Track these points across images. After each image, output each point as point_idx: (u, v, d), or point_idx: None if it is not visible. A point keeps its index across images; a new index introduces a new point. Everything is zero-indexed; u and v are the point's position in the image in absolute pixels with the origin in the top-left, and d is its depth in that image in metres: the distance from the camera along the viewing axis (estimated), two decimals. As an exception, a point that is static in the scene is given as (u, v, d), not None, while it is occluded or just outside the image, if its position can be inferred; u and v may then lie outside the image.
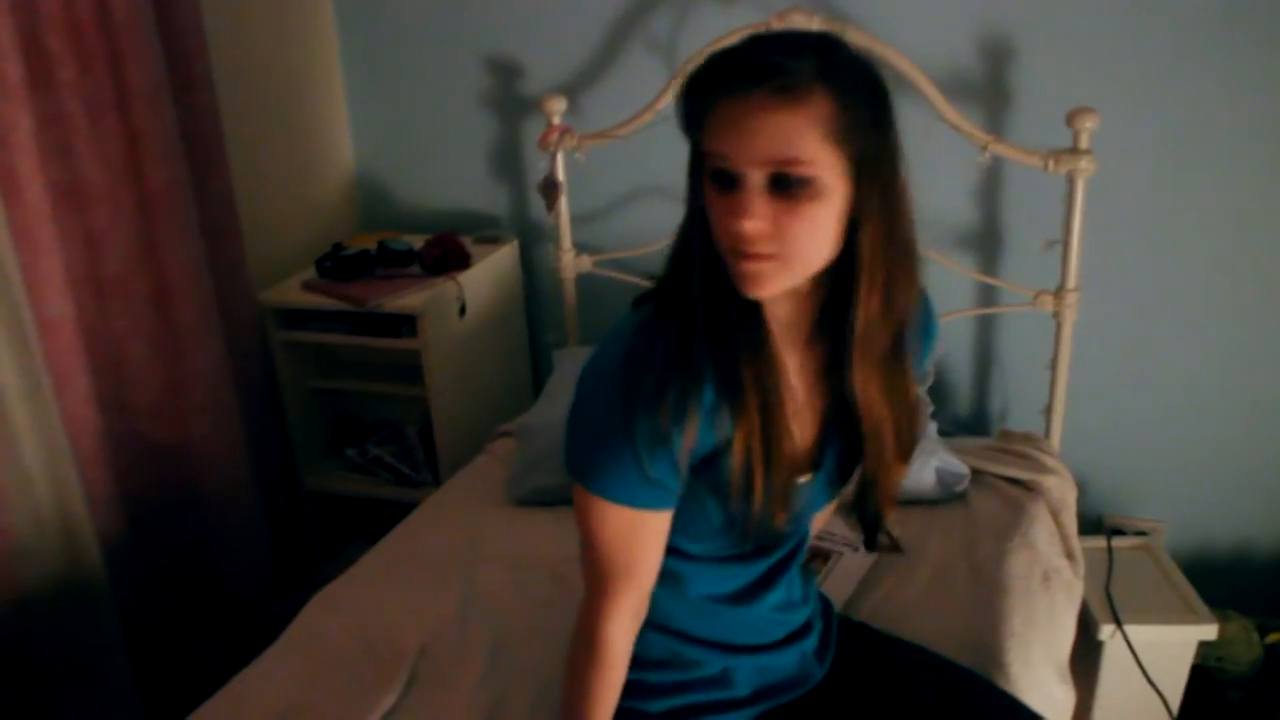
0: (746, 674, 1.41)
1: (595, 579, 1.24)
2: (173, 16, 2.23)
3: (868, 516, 1.30)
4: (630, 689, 1.34)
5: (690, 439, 1.13)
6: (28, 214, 1.98)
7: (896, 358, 1.17)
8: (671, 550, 1.28)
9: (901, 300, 1.13)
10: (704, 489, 1.20)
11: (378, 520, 2.68)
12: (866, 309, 1.11)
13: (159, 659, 2.37)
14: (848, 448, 1.28)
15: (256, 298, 2.60)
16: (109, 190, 2.13)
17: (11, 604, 1.97)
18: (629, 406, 1.12)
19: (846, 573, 1.91)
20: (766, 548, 1.35)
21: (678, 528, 1.25)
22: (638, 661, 1.34)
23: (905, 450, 1.26)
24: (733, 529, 1.23)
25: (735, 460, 1.15)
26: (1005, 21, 2.34)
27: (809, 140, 1.02)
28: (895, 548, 1.90)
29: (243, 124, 2.55)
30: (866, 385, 1.16)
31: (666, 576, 1.30)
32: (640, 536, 1.21)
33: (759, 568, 1.36)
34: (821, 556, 1.96)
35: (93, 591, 2.14)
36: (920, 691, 1.43)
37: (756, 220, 1.04)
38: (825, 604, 1.55)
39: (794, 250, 1.06)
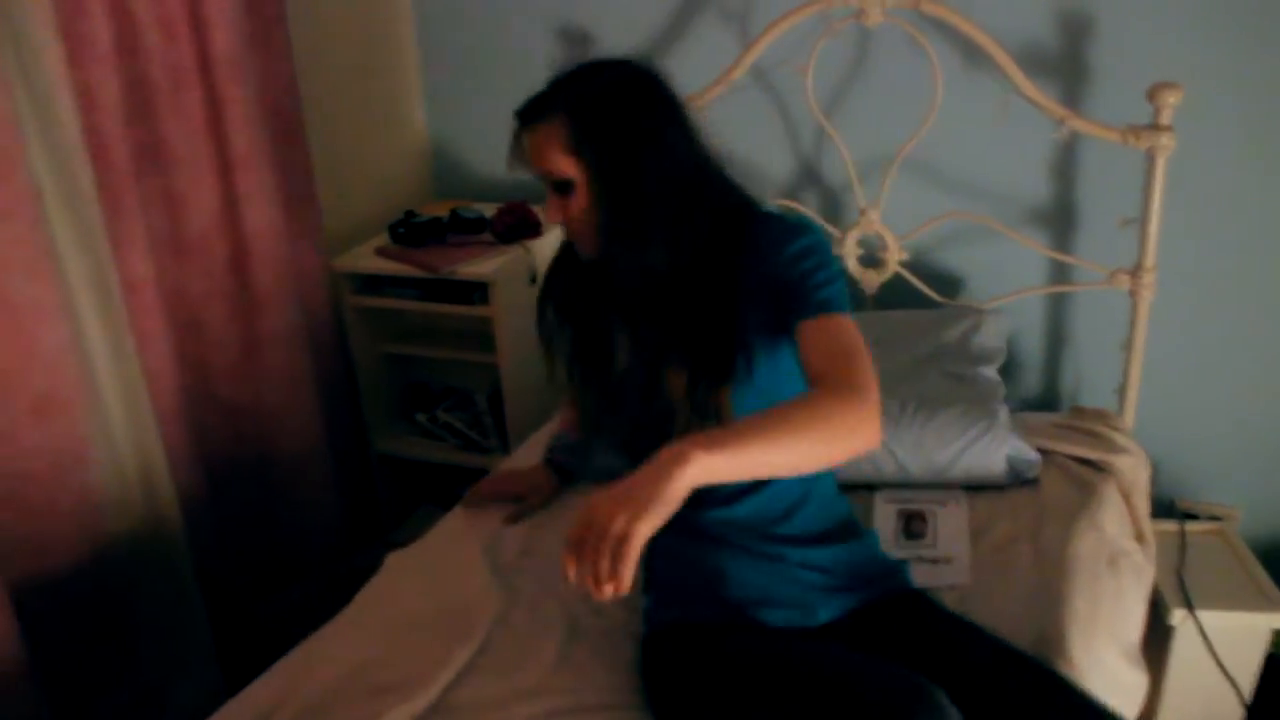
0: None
1: None
2: (253, -16, 2.27)
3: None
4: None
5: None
6: (114, 175, 2.03)
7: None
8: None
9: (632, 259, 1.52)
10: None
11: (446, 485, 2.72)
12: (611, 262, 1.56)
13: (233, 613, 2.43)
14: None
15: (331, 263, 2.64)
16: (190, 154, 2.18)
17: (95, 555, 2.03)
18: None
19: (954, 531, 1.94)
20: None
21: None
22: None
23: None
24: None
25: None
26: (1086, -7, 2.30)
27: (555, 153, 1.49)
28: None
29: (319, 92, 2.58)
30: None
31: None
32: None
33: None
34: (919, 517, 1.99)
35: (171, 545, 2.21)
36: (968, 664, 1.42)
37: (551, 211, 1.55)
38: (878, 569, 1.66)
39: (574, 228, 1.56)
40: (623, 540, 1.14)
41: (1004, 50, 2.21)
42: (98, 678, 2.09)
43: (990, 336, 2.37)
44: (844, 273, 1.55)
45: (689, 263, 1.53)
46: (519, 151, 1.54)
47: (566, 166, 1.49)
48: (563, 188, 1.51)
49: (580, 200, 1.51)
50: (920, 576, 1.82)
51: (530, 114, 1.51)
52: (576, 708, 1.55)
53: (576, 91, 1.49)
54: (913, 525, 1.97)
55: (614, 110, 1.48)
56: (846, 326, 1.43)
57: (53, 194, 1.91)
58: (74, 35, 1.93)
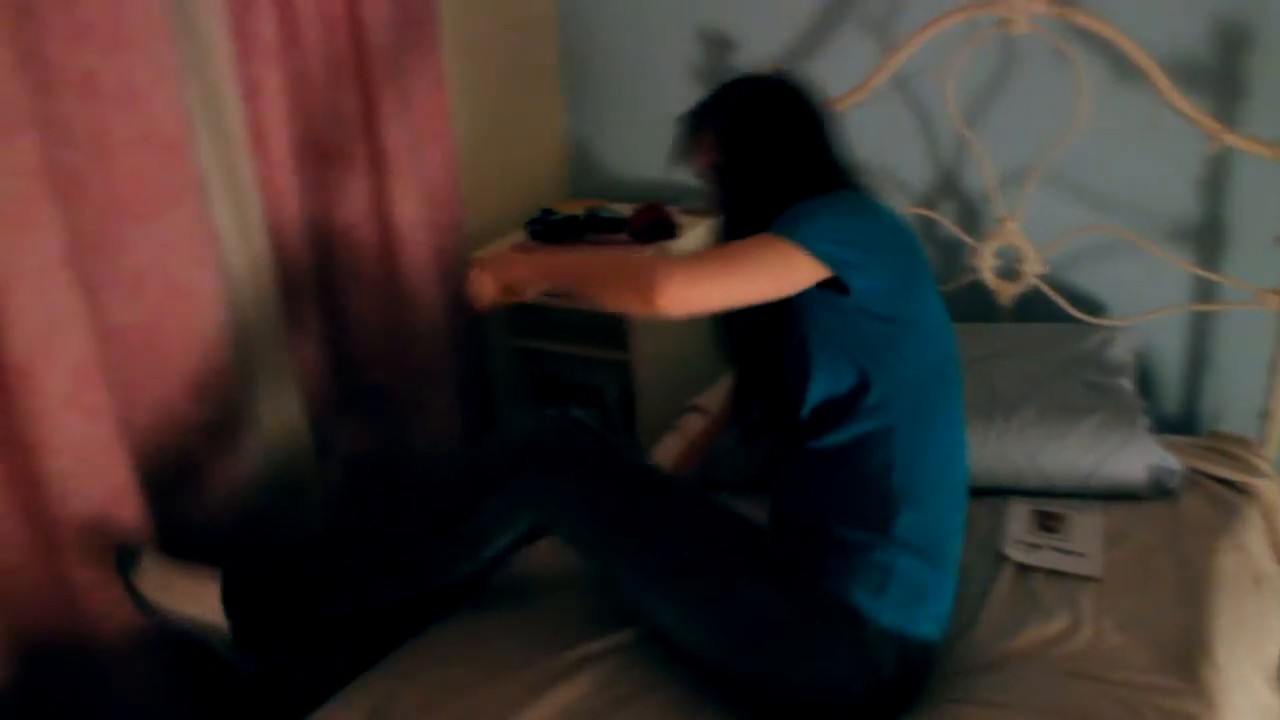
0: None
1: None
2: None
3: None
4: None
5: None
6: (273, 165, 2.10)
7: None
8: None
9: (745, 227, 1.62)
10: None
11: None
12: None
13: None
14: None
15: (470, 256, 2.70)
16: (343, 147, 2.25)
17: (246, 528, 2.11)
18: None
19: (1089, 531, 1.94)
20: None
21: None
22: None
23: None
24: None
25: None
26: (1242, 4, 2.24)
27: (705, 154, 1.76)
28: None
29: (463, 88, 2.64)
30: None
31: None
32: None
33: None
34: (1054, 515, 1.98)
35: (311, 527, 2.29)
36: None
37: (707, 200, 1.80)
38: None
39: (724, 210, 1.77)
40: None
41: (1154, 61, 2.18)
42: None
43: (1123, 351, 2.34)
44: (843, 224, 1.58)
45: None
46: (680, 150, 1.81)
47: (711, 165, 1.75)
48: (713, 181, 1.76)
49: (721, 194, 1.76)
50: (1050, 560, 1.86)
51: (689, 121, 1.79)
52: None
53: (722, 102, 1.76)
54: (1047, 521, 1.98)
55: (750, 121, 1.73)
56: (759, 241, 1.53)
57: (217, 183, 2.00)
58: (243, 31, 2.01)
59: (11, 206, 1.60)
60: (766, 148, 1.71)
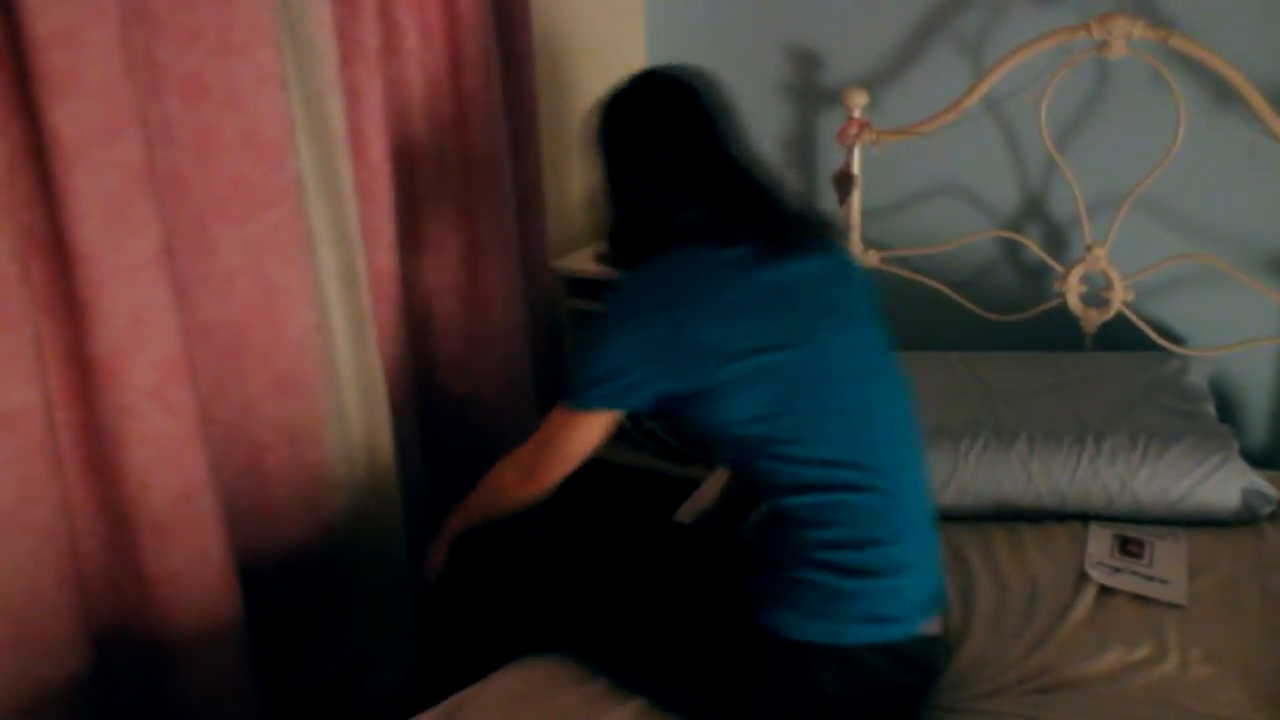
0: None
1: None
2: (506, -6, 2.38)
3: None
4: None
5: None
6: (371, 171, 2.13)
7: None
8: None
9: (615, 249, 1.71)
10: None
11: (645, 490, 2.77)
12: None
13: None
14: None
15: (552, 266, 2.72)
16: (436, 154, 2.28)
17: (318, 530, 2.14)
18: None
19: (1172, 558, 1.92)
20: None
21: None
22: None
23: None
24: None
25: None
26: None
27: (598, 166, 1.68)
28: None
29: (548, 98, 2.67)
30: None
31: None
32: None
33: None
34: (1136, 542, 1.96)
35: (388, 527, 2.30)
36: None
37: None
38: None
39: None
40: None
41: (1254, 87, 2.14)
42: (307, 647, 2.19)
43: (1199, 378, 2.32)
44: (616, 350, 1.60)
45: None
46: (583, 147, 1.76)
47: (595, 163, 1.69)
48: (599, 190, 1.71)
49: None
50: (1132, 584, 1.84)
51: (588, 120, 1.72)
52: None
53: (604, 99, 1.68)
54: (1129, 546, 1.96)
55: (612, 123, 1.66)
56: (553, 421, 1.71)
57: (314, 186, 2.04)
58: (347, 38, 2.04)
59: (111, 204, 1.62)
60: (623, 173, 1.67)
